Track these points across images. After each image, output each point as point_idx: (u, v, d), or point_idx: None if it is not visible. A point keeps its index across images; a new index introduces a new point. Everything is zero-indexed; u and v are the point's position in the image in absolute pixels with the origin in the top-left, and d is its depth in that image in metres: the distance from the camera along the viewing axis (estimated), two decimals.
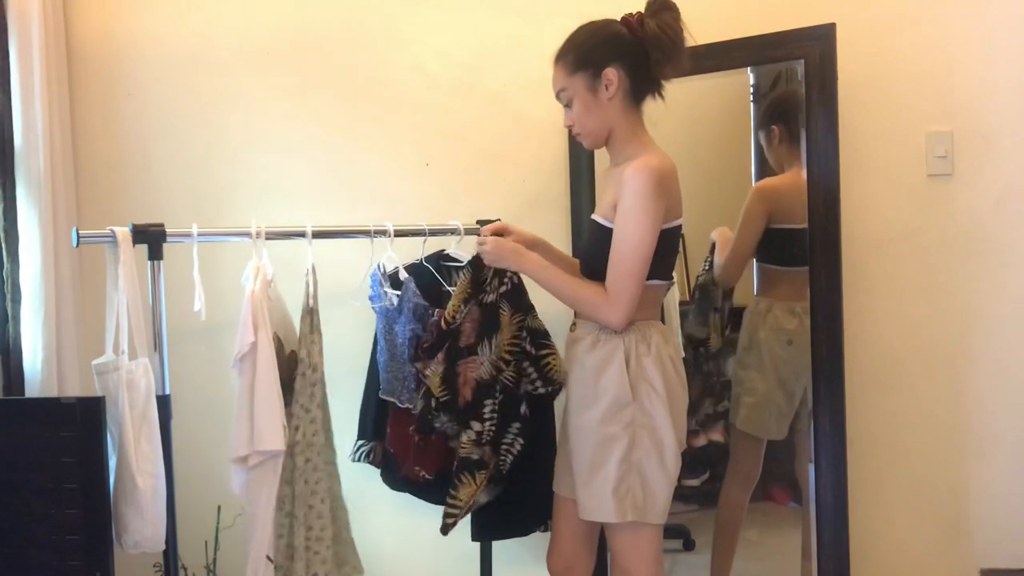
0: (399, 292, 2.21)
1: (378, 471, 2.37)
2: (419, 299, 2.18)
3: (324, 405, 2.14)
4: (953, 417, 2.42)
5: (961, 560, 2.42)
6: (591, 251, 2.01)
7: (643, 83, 1.96)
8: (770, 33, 2.30)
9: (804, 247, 2.30)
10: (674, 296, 2.47)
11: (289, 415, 2.06)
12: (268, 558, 2.03)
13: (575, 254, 2.44)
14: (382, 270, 2.24)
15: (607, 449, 1.90)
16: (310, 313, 2.08)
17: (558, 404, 2.18)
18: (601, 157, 2.15)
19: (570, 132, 2.09)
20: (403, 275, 2.22)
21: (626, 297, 1.88)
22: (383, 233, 2.20)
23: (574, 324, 2.06)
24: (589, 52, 1.94)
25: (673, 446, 1.93)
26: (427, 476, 2.18)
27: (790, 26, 2.28)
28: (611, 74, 1.92)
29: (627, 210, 1.87)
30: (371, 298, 2.27)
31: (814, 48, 2.24)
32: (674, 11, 1.93)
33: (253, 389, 1.97)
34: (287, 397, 2.06)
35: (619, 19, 1.96)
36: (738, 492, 2.57)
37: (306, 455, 2.08)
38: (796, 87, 2.32)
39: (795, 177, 2.35)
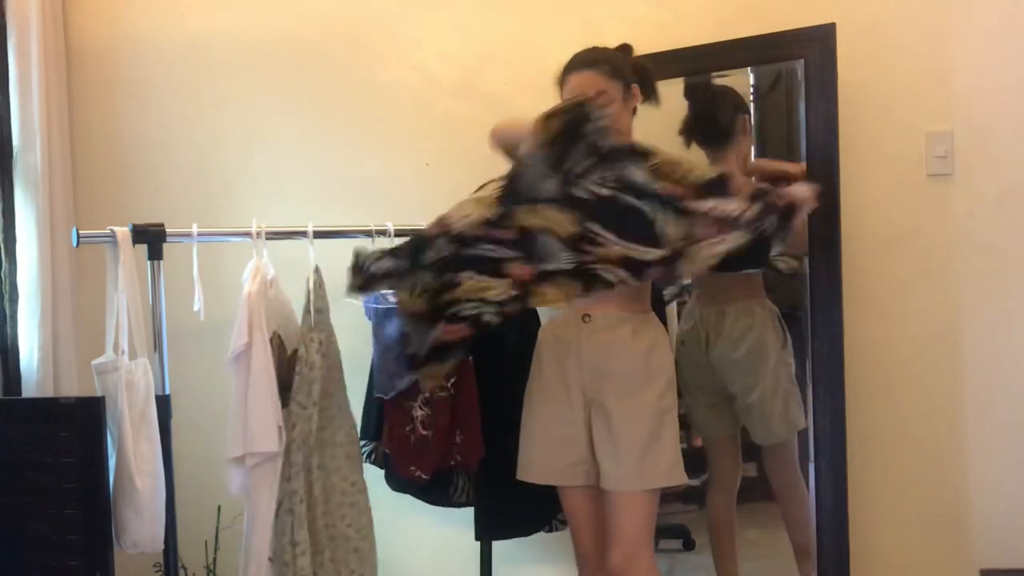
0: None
1: (379, 472, 2.37)
2: None
3: (319, 403, 2.12)
4: (953, 417, 2.42)
5: (961, 560, 2.42)
6: None
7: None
8: (770, 33, 2.30)
9: None
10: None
11: (287, 414, 2.06)
12: (269, 559, 2.03)
13: None
14: None
15: (666, 419, 2.03)
16: (309, 312, 2.08)
17: None
18: None
19: None
20: None
21: None
22: (383, 233, 2.20)
23: (587, 315, 2.04)
24: (620, 67, 2.08)
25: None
26: (423, 476, 2.17)
27: (790, 26, 2.28)
28: (636, 89, 2.09)
29: None
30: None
31: (814, 48, 2.24)
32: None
33: (247, 390, 1.97)
34: (287, 397, 2.06)
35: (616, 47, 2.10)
36: (719, 497, 2.54)
37: (303, 452, 2.08)
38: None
39: None
